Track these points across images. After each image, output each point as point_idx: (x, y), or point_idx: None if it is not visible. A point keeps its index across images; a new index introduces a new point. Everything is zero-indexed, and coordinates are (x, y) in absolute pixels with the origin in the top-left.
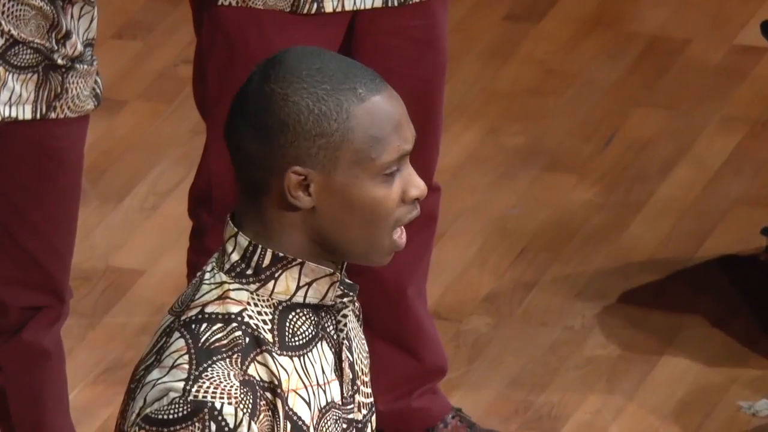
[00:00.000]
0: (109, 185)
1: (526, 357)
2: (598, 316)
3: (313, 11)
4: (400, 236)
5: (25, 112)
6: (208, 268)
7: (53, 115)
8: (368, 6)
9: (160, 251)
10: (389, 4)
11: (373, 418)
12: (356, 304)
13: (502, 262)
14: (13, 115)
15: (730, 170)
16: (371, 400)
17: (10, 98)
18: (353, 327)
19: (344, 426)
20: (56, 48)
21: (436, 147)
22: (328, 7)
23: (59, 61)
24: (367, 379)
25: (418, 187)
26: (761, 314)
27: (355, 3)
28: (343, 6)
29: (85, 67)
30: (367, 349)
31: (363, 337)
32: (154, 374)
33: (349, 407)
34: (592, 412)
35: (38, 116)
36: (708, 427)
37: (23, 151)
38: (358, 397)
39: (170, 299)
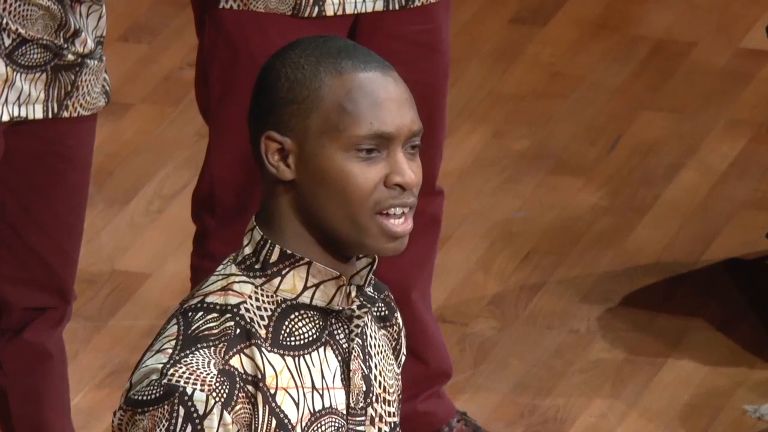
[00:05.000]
0: (115, 188)
1: (532, 360)
2: (603, 319)
3: (315, 14)
4: (400, 223)
5: (36, 112)
6: (225, 261)
7: (66, 114)
8: (369, 9)
9: (165, 254)
10: (390, 8)
11: None
12: (397, 328)
13: (508, 266)
14: (23, 114)
15: (735, 173)
16: (394, 419)
17: (18, 98)
18: (378, 344)
19: None
20: (65, 46)
21: (440, 151)
22: (329, 11)
23: (69, 57)
24: (391, 398)
25: (402, 174)
26: (767, 318)
27: (356, 6)
28: (344, 9)
29: (96, 63)
30: (398, 372)
31: (392, 358)
32: (145, 357)
33: (358, 419)
34: (597, 415)
35: (50, 115)
36: (713, 430)
37: (33, 149)
38: (372, 411)
39: (176, 302)
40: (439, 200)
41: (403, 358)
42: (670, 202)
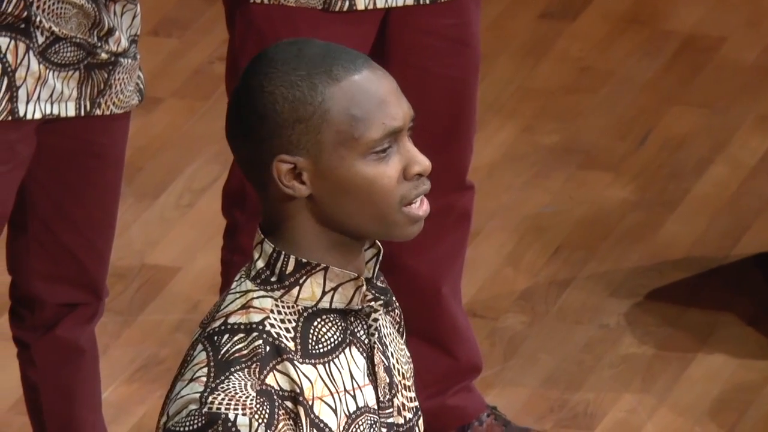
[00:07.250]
0: (145, 182)
1: (561, 355)
2: (633, 314)
3: (345, 9)
4: (419, 207)
5: (68, 110)
6: (237, 277)
7: (98, 112)
8: (400, 4)
9: (195, 248)
10: (421, 2)
11: (420, 422)
12: (398, 311)
13: (537, 260)
14: (55, 112)
15: (765, 168)
16: (416, 404)
17: (51, 95)
18: (389, 333)
19: (383, 430)
20: (99, 44)
21: (470, 145)
22: (360, 5)
23: (103, 56)
24: (409, 383)
25: (420, 163)
26: None
27: (386, 1)
28: (374, 4)
29: (129, 61)
30: (408, 354)
31: (402, 341)
32: (177, 388)
33: (387, 411)
34: (627, 410)
35: (82, 113)
36: (743, 425)
37: (65, 147)
38: (397, 401)
39: (206, 296)
40: (469, 195)
41: (404, 336)
42: (700, 196)
